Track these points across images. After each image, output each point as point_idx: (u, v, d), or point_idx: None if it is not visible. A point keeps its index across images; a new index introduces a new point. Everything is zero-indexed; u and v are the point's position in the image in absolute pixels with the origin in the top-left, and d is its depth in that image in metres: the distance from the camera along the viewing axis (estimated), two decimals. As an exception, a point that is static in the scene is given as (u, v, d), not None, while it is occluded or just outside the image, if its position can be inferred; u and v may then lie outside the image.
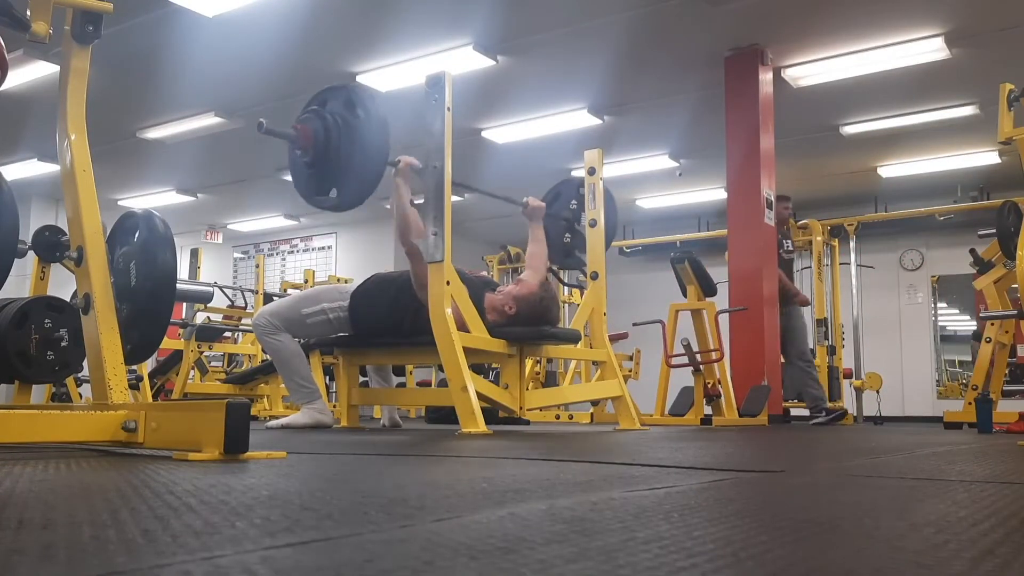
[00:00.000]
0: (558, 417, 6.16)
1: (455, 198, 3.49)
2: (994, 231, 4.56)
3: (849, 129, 8.19)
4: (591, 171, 4.25)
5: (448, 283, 3.26)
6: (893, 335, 10.31)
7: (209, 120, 8.08)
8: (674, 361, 6.14)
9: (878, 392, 8.16)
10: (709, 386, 5.92)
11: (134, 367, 5.17)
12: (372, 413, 6.97)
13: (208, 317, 7.83)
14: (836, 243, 8.56)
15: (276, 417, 4.85)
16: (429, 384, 7.70)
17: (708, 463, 1.75)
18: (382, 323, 3.76)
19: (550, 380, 7.84)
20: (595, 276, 4.18)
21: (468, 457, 1.96)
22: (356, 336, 3.90)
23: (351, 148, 3.25)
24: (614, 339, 5.13)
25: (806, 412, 7.78)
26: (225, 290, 8.37)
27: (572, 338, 3.90)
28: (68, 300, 3.91)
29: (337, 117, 3.28)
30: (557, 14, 6.05)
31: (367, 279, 3.97)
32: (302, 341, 4.12)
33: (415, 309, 3.58)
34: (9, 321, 3.61)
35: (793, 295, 6.81)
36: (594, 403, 6.13)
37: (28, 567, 0.57)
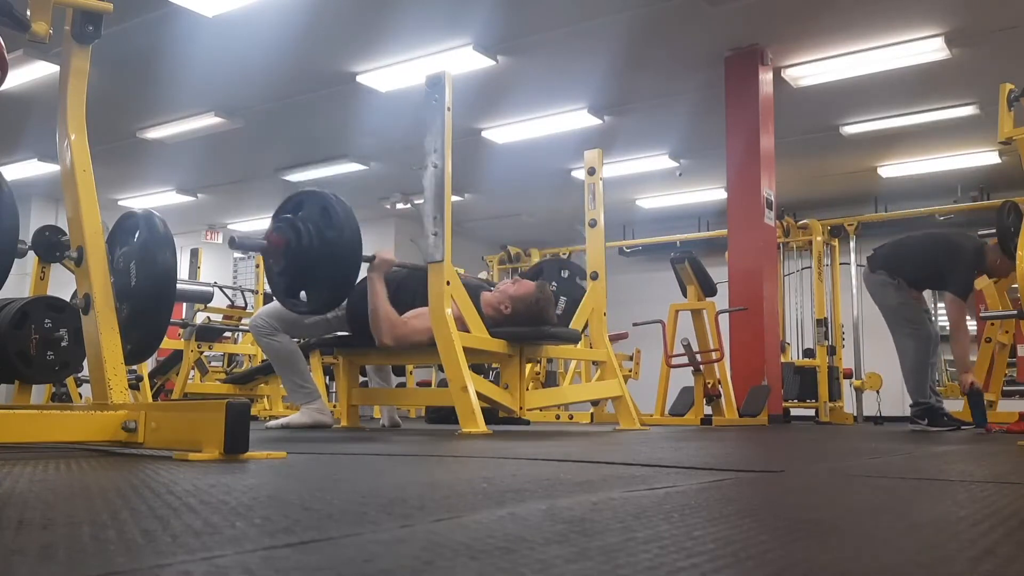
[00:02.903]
0: (558, 417, 6.16)
1: (455, 197, 3.49)
2: (994, 231, 4.55)
3: (849, 129, 8.19)
4: (591, 171, 4.26)
5: (448, 283, 3.27)
6: (893, 335, 10.29)
7: (209, 120, 8.08)
8: (674, 361, 6.14)
9: (878, 392, 8.15)
10: (709, 386, 5.92)
11: (134, 367, 5.17)
12: (372, 413, 6.97)
13: (208, 317, 7.82)
14: (836, 243, 8.56)
15: (276, 417, 4.85)
16: (429, 384, 7.69)
17: (708, 463, 1.75)
18: None
19: (550, 380, 7.84)
20: (595, 276, 4.18)
21: (468, 457, 1.96)
22: (355, 336, 3.90)
23: (322, 257, 3.28)
24: (614, 339, 5.13)
25: (805, 412, 7.80)
26: (225, 290, 8.36)
27: (572, 338, 3.90)
28: (68, 300, 3.92)
29: (309, 225, 3.30)
30: (557, 14, 6.05)
31: (364, 278, 3.97)
32: (302, 341, 4.12)
33: (411, 307, 3.59)
34: (9, 321, 3.61)
35: None
36: (594, 403, 6.13)
37: (28, 567, 0.57)
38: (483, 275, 8.75)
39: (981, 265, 4.73)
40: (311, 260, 3.28)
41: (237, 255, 13.23)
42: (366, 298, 3.84)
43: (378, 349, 3.96)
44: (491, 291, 3.77)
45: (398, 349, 3.60)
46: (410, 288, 3.65)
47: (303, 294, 3.41)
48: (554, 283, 4.46)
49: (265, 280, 8.68)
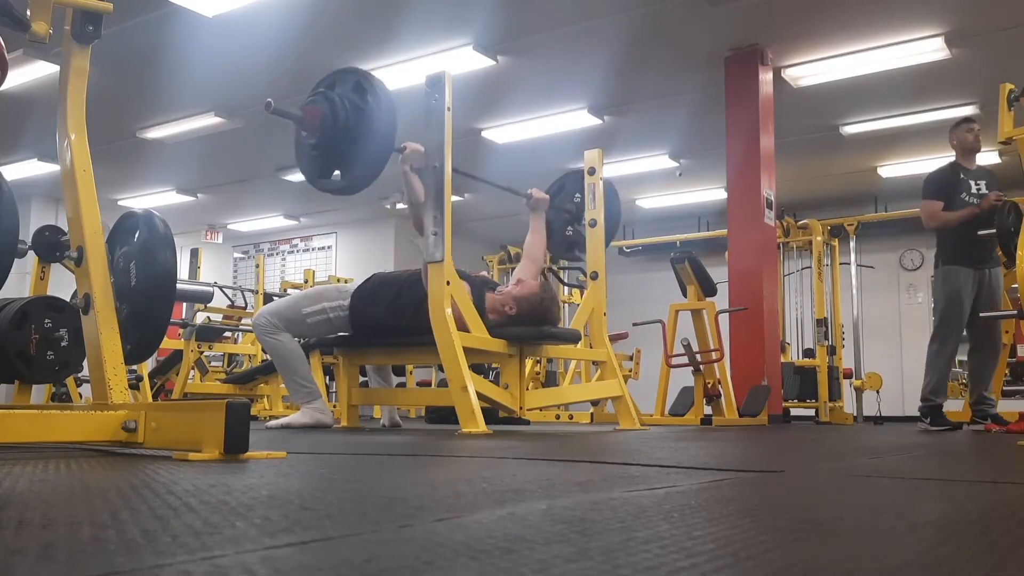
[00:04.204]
0: (558, 417, 6.16)
1: (455, 197, 3.49)
2: (994, 231, 4.55)
3: (849, 129, 8.19)
4: (591, 171, 4.25)
5: (448, 283, 3.26)
6: (893, 335, 10.30)
7: (209, 120, 8.08)
8: (674, 361, 6.14)
9: (878, 392, 8.16)
10: (709, 386, 5.92)
11: (134, 367, 5.17)
12: (372, 413, 6.97)
13: (208, 317, 7.83)
14: (836, 243, 8.56)
15: (276, 417, 4.85)
16: (429, 384, 7.70)
17: (708, 463, 1.75)
18: (382, 323, 3.76)
19: (550, 380, 7.84)
20: (595, 276, 4.18)
21: (468, 457, 1.96)
22: (356, 336, 3.90)
23: (358, 131, 3.25)
24: (614, 339, 5.13)
25: (805, 412, 7.80)
26: (225, 290, 8.37)
27: (572, 338, 3.90)
28: (68, 300, 3.92)
29: (345, 100, 3.28)
30: (557, 14, 6.05)
31: (367, 279, 3.97)
32: (302, 341, 4.12)
33: (415, 309, 3.58)
34: (9, 321, 3.61)
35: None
36: (594, 403, 6.13)
37: (28, 567, 0.57)
38: (484, 274, 8.75)
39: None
40: (345, 135, 3.24)
41: (237, 255, 13.24)
42: (368, 299, 3.84)
43: (378, 349, 3.97)
44: (495, 293, 3.76)
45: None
46: (414, 292, 3.62)
47: (336, 173, 3.36)
48: (577, 196, 4.43)
49: (265, 277, 8.74)
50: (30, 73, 6.71)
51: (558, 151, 8.69)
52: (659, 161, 9.23)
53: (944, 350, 4.81)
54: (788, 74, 6.90)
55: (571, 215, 4.46)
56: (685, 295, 6.25)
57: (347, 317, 3.85)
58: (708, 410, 5.93)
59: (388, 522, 0.81)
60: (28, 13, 2.07)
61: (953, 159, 5.01)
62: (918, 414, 4.91)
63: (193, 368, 7.12)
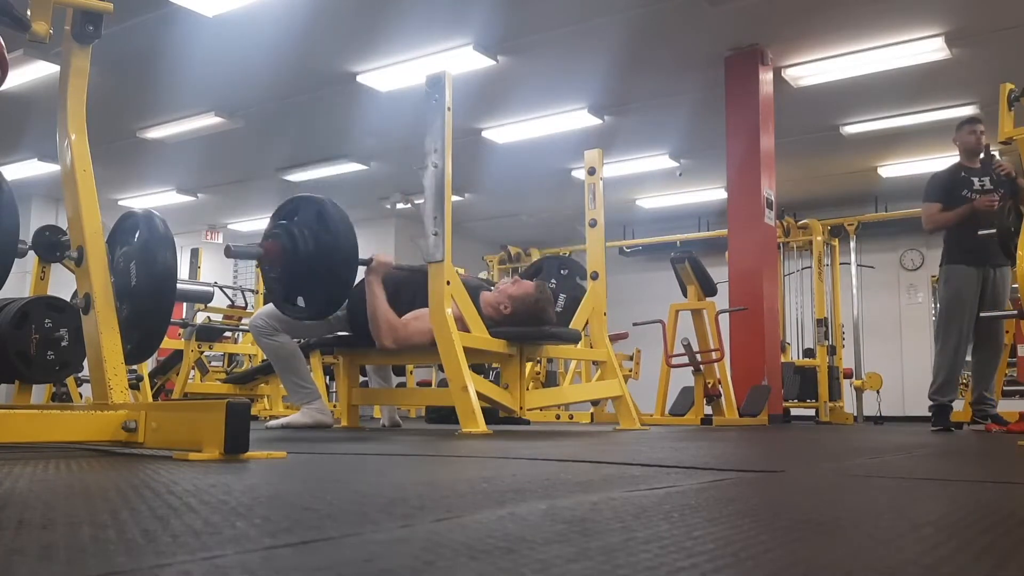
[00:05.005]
0: (558, 417, 6.17)
1: (456, 197, 3.50)
2: (994, 231, 4.55)
3: (849, 129, 8.19)
4: (591, 171, 4.26)
5: (448, 283, 3.26)
6: (893, 335, 10.31)
7: (209, 120, 8.08)
8: (674, 361, 6.14)
9: (878, 392, 8.16)
10: (709, 386, 5.92)
11: (134, 367, 5.17)
12: (372, 413, 6.97)
13: (208, 317, 7.83)
14: (836, 243, 8.56)
15: (276, 417, 4.85)
16: (429, 384, 7.69)
17: (708, 463, 1.75)
18: None
19: (550, 380, 7.84)
20: (595, 276, 4.18)
21: (468, 457, 1.96)
22: (356, 336, 3.90)
23: (318, 262, 3.27)
24: (614, 339, 5.13)
25: (805, 412, 7.80)
26: (225, 290, 8.36)
27: (572, 338, 3.90)
28: (68, 300, 3.92)
29: (305, 231, 3.29)
30: (557, 14, 6.05)
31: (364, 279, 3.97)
32: (301, 342, 4.12)
33: (410, 299, 3.59)
34: (9, 321, 3.61)
35: None
36: (594, 403, 6.13)
37: (28, 567, 0.57)
38: (483, 275, 8.76)
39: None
40: (307, 266, 3.28)
41: (237, 255, 13.23)
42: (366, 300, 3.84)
43: (378, 349, 3.97)
44: (491, 291, 3.77)
45: (399, 351, 3.60)
46: (410, 288, 3.65)
47: (300, 300, 3.41)
48: (553, 281, 4.46)
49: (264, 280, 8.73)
50: (30, 73, 6.71)
51: (558, 151, 8.70)
52: (659, 161, 9.23)
53: (946, 349, 4.80)
54: (788, 74, 6.90)
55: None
56: (685, 295, 6.25)
57: (346, 317, 3.85)
58: (708, 410, 5.93)
59: (388, 522, 0.81)
60: (28, 13, 2.07)
61: (957, 160, 5.00)
62: (925, 414, 4.90)
63: (193, 368, 7.12)
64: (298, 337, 4.03)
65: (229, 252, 3.31)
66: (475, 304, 3.54)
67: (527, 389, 3.73)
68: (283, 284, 3.41)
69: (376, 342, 3.56)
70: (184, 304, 8.02)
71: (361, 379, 4.33)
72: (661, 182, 9.97)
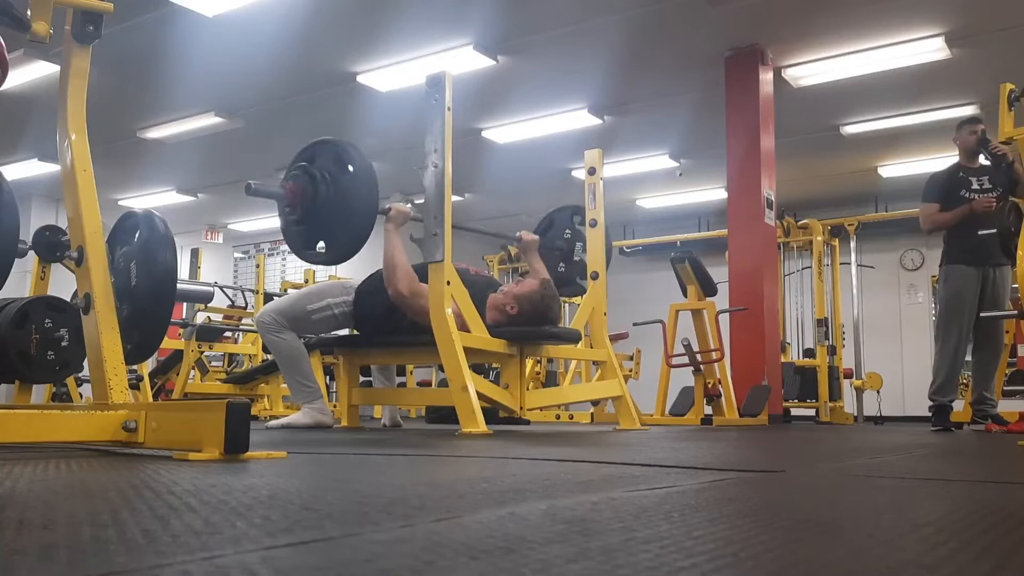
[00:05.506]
0: (558, 417, 6.16)
1: (456, 197, 3.49)
2: (994, 230, 4.55)
3: (849, 129, 8.19)
4: (591, 171, 4.26)
5: (448, 283, 3.26)
6: (893, 335, 10.30)
7: (209, 120, 8.08)
8: (674, 361, 6.14)
9: (878, 392, 8.16)
10: (709, 386, 5.92)
11: (134, 367, 5.17)
12: (372, 413, 6.97)
13: (208, 317, 7.83)
14: (836, 243, 8.55)
15: (276, 417, 4.85)
16: (429, 384, 7.69)
17: (708, 463, 1.75)
18: (386, 318, 3.75)
19: (550, 380, 7.84)
20: (595, 276, 4.18)
21: (468, 457, 1.96)
22: (361, 331, 3.90)
23: (339, 203, 3.27)
24: (614, 339, 5.13)
25: (805, 412, 7.79)
26: (225, 290, 8.36)
27: (572, 338, 3.90)
28: (68, 300, 3.92)
29: (325, 173, 3.29)
30: (557, 14, 6.05)
31: (372, 274, 3.96)
32: (304, 339, 4.12)
33: None
34: (9, 321, 3.62)
35: None
36: (594, 403, 6.13)
37: (28, 567, 0.57)
38: (486, 274, 8.74)
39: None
40: (328, 208, 3.26)
41: (237, 255, 13.24)
42: (372, 295, 3.84)
43: (379, 349, 3.97)
44: (497, 293, 3.76)
45: (409, 302, 3.56)
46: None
47: (320, 244, 3.40)
48: (568, 231, 4.44)
49: (265, 277, 8.74)
50: (30, 73, 6.71)
51: (558, 151, 8.70)
52: (659, 161, 9.23)
53: (946, 349, 4.79)
54: (788, 74, 6.90)
55: (562, 252, 4.45)
56: (685, 295, 6.25)
57: (351, 313, 3.85)
58: (708, 410, 5.93)
59: (388, 522, 0.81)
60: (28, 13, 2.07)
61: (957, 160, 5.00)
62: (925, 414, 4.90)
63: (193, 368, 7.12)
64: (304, 334, 4.03)
65: (249, 189, 3.28)
66: (483, 300, 3.54)
67: (527, 389, 3.73)
68: (304, 227, 3.37)
69: (390, 288, 3.56)
70: (184, 304, 8.02)
71: (364, 379, 4.33)
72: (661, 182, 9.97)
